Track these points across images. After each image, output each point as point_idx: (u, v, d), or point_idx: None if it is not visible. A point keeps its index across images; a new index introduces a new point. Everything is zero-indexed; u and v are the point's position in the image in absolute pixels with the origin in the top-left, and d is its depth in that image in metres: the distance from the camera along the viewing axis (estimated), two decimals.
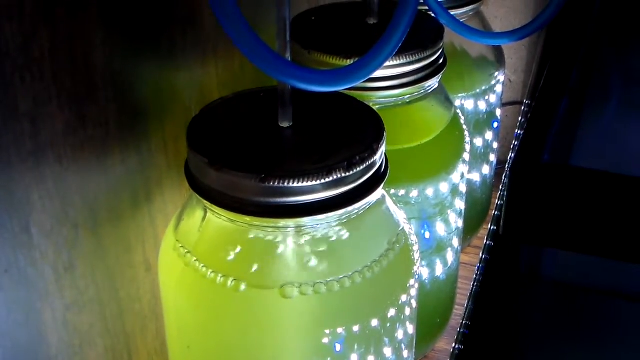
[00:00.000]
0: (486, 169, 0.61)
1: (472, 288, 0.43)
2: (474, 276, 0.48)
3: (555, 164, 0.30)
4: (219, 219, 0.34)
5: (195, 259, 0.34)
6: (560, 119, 0.33)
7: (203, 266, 0.34)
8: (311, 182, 0.32)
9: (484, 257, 0.42)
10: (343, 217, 0.34)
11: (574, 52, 0.41)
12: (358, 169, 0.33)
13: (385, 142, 0.35)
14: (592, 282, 0.33)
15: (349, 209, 0.33)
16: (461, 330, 0.40)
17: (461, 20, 0.52)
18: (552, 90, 0.36)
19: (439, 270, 0.48)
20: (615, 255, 0.29)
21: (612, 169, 0.30)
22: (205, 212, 0.35)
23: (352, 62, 0.41)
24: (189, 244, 0.35)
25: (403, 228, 0.37)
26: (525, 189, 0.30)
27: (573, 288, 0.33)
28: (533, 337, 0.33)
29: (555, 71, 0.38)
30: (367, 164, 0.33)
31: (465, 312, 0.41)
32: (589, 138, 0.34)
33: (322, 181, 0.32)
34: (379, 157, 0.34)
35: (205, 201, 0.33)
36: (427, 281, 0.48)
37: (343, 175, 0.32)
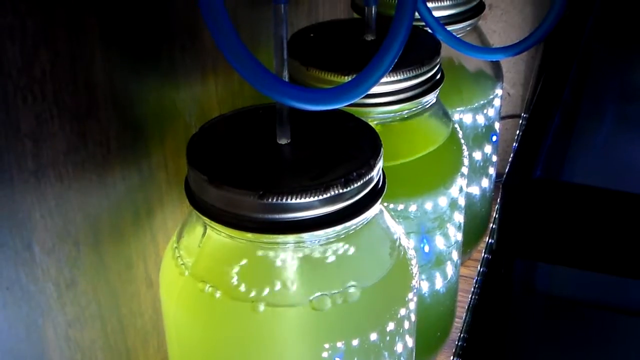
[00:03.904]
0: (485, 182, 0.61)
1: (470, 301, 0.44)
2: (472, 289, 0.49)
3: (547, 180, 0.31)
4: (219, 235, 0.34)
5: (195, 274, 0.35)
6: (553, 134, 0.33)
7: (203, 282, 0.34)
8: (309, 198, 0.32)
9: (481, 270, 0.42)
10: (341, 232, 0.34)
11: (568, 66, 0.41)
12: (355, 185, 0.33)
13: (382, 159, 0.35)
14: (586, 296, 0.33)
15: (347, 224, 0.34)
16: (459, 343, 0.40)
17: (459, 36, 0.52)
18: (545, 105, 0.37)
19: (439, 283, 0.48)
20: (608, 269, 0.30)
21: (604, 184, 0.30)
22: (205, 229, 0.35)
23: (349, 78, 0.41)
24: (189, 260, 0.35)
25: (401, 242, 0.38)
26: (518, 205, 0.31)
27: (567, 302, 0.34)
28: (528, 350, 0.34)
29: (548, 86, 0.39)
30: (364, 180, 0.34)
31: (464, 325, 0.42)
32: (581, 153, 0.34)
33: (320, 197, 0.32)
34: (376, 173, 0.35)
35: (204, 218, 0.34)
36: (426, 295, 0.48)
37: (340, 191, 0.33)
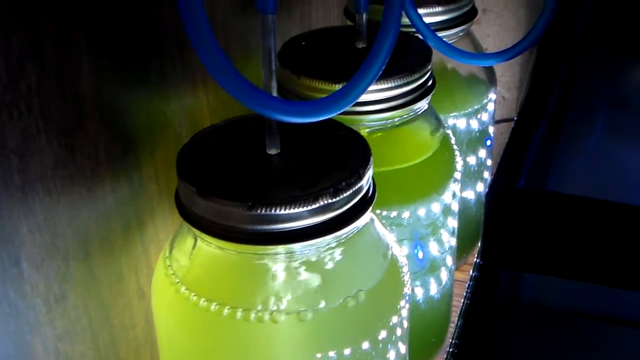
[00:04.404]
0: (480, 187, 0.61)
1: (462, 306, 0.43)
2: (465, 293, 0.48)
3: (531, 190, 0.30)
4: (209, 247, 0.34)
5: (186, 286, 0.35)
6: (538, 142, 0.33)
7: (194, 294, 0.34)
8: (298, 208, 0.32)
9: (474, 274, 0.42)
10: (332, 242, 0.34)
11: (555, 71, 0.41)
12: (344, 194, 0.33)
13: (371, 167, 0.35)
14: (572, 306, 0.33)
15: (338, 234, 0.33)
16: (450, 350, 0.40)
17: (451, 41, 0.52)
18: (531, 112, 0.36)
19: (433, 289, 0.48)
20: (593, 279, 0.30)
21: (590, 194, 0.30)
22: (196, 240, 0.35)
23: (340, 86, 0.41)
24: (180, 272, 0.35)
25: (392, 250, 0.38)
26: (501, 216, 0.30)
27: (553, 312, 0.33)
28: (515, 359, 0.34)
29: (535, 92, 0.39)
30: (354, 189, 0.33)
31: (455, 330, 0.41)
32: (567, 162, 0.34)
33: (309, 207, 0.32)
34: (365, 182, 0.34)
35: (194, 229, 0.34)
36: (421, 301, 0.48)
37: (329, 201, 0.33)
